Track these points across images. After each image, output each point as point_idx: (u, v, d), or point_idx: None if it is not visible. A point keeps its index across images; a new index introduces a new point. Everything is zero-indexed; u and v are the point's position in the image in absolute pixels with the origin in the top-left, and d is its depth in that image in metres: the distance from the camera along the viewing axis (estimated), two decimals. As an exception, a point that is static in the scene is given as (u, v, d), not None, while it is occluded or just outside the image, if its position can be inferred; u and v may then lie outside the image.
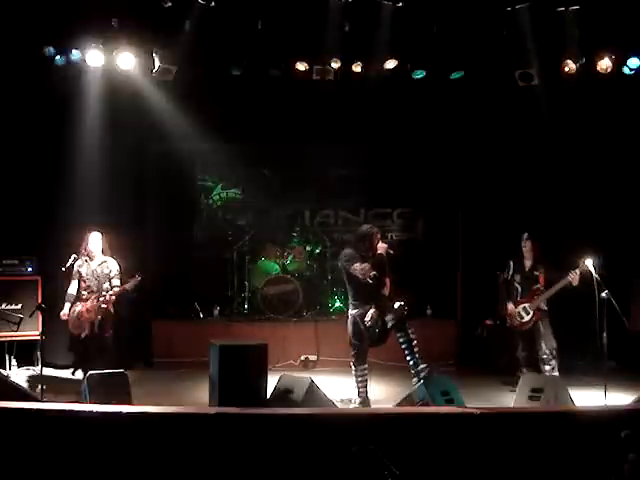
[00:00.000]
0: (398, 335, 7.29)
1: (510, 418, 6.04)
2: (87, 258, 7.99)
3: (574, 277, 7.72)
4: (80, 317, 7.84)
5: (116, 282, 7.95)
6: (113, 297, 7.88)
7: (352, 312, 7.40)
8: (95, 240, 8.04)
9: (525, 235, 8.26)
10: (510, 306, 8.13)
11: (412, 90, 9.48)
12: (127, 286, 7.86)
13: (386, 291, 7.47)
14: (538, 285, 8.08)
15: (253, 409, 6.19)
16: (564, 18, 8.15)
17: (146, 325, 9.72)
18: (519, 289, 8.17)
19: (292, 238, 10.87)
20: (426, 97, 9.66)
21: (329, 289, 10.58)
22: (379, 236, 7.49)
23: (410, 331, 7.28)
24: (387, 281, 7.50)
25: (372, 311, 7.22)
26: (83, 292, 7.96)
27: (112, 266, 8.03)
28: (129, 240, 9.51)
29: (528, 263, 8.21)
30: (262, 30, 8.41)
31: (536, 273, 8.12)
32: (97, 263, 8.01)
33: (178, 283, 10.42)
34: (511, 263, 8.27)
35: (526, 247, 8.22)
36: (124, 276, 8.02)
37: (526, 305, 8.04)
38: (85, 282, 7.96)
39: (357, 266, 7.29)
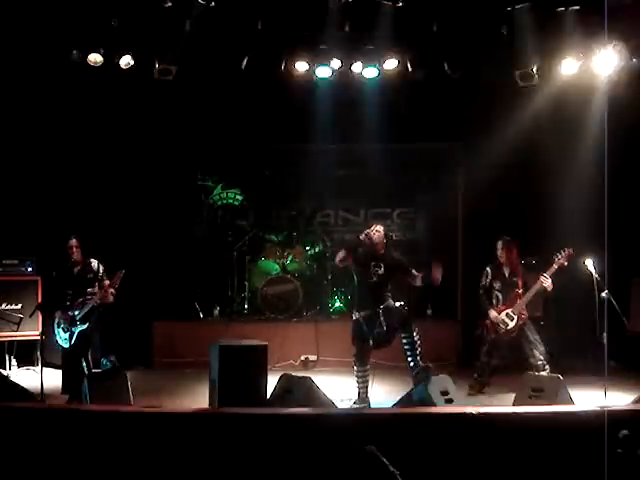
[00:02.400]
0: (403, 335, 7.29)
1: (510, 418, 6.04)
2: (71, 264, 7.86)
3: (546, 282, 7.69)
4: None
5: (105, 282, 7.71)
6: (110, 295, 7.71)
7: (356, 313, 7.40)
8: (75, 245, 7.86)
9: (499, 244, 8.05)
10: (493, 313, 7.91)
11: (412, 90, 9.49)
12: (113, 281, 7.66)
13: (417, 281, 7.35)
14: (517, 290, 7.89)
15: (253, 409, 6.20)
16: (564, 18, 8.15)
17: (146, 325, 9.72)
18: (499, 296, 7.98)
19: (292, 238, 10.86)
20: (426, 97, 9.66)
21: (329, 289, 10.58)
22: (377, 227, 7.47)
23: (415, 332, 7.28)
24: (413, 273, 7.37)
25: (380, 320, 7.23)
26: (66, 300, 7.75)
27: (95, 267, 7.83)
28: (129, 240, 9.54)
29: (507, 270, 8.02)
30: (262, 30, 8.41)
31: (515, 279, 7.95)
32: (79, 269, 7.88)
33: (178, 283, 10.42)
34: (488, 270, 8.06)
35: (502, 257, 8.02)
36: (108, 275, 7.85)
37: (509, 311, 7.84)
38: (69, 289, 7.77)
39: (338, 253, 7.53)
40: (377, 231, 7.44)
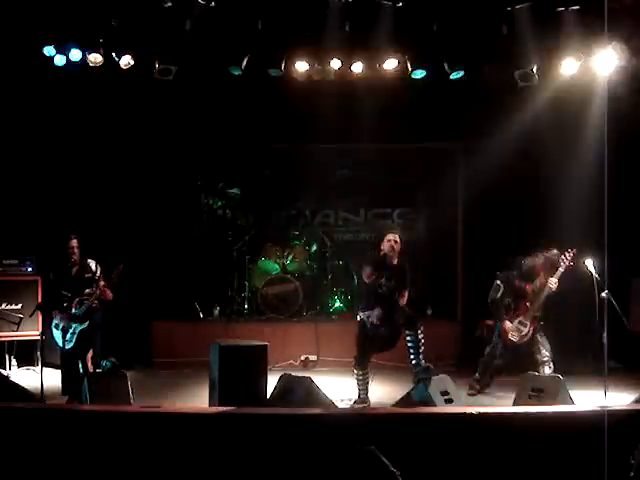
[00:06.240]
0: (407, 333, 7.27)
1: (510, 418, 6.04)
2: (70, 265, 7.84)
3: (552, 285, 7.68)
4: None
5: (101, 283, 7.68)
6: (108, 293, 7.69)
7: (361, 314, 7.37)
8: (76, 246, 7.86)
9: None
10: (507, 324, 7.88)
11: (412, 90, 9.49)
12: (112, 278, 7.65)
13: (402, 301, 7.31)
14: (527, 297, 7.88)
15: (253, 409, 6.20)
16: (564, 18, 8.15)
17: (146, 325, 9.72)
18: (511, 305, 7.95)
19: (292, 238, 10.87)
20: (426, 97, 9.67)
21: (329, 289, 10.58)
22: (389, 237, 7.41)
23: (420, 331, 7.28)
24: (404, 292, 7.32)
25: (378, 311, 7.20)
26: (64, 300, 7.73)
27: (94, 268, 7.81)
28: (129, 240, 9.54)
29: (517, 280, 7.96)
30: (262, 30, 8.42)
31: (524, 286, 7.91)
32: (77, 269, 7.86)
33: (178, 283, 10.42)
34: (499, 284, 7.97)
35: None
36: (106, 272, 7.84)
37: (521, 318, 7.84)
38: (67, 289, 7.76)
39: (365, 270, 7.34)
40: (395, 242, 7.33)
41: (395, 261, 7.35)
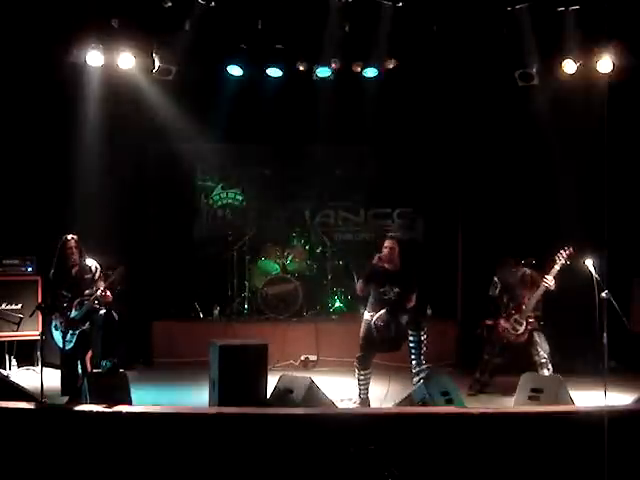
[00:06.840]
0: (410, 333, 7.28)
1: (510, 418, 6.04)
2: (70, 265, 7.82)
3: (549, 283, 7.68)
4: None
5: (101, 284, 7.61)
6: (108, 295, 7.67)
7: (366, 315, 7.39)
8: (74, 246, 7.77)
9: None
10: (502, 322, 7.92)
11: (412, 90, 9.48)
12: (113, 279, 7.58)
13: (409, 304, 7.32)
14: (523, 296, 7.88)
15: (253, 409, 6.20)
16: (564, 18, 8.15)
17: (146, 325, 9.72)
18: (510, 304, 7.96)
19: (292, 238, 10.87)
20: (426, 97, 9.66)
21: (329, 289, 10.58)
22: (385, 244, 7.44)
23: (423, 332, 7.28)
24: (411, 296, 7.33)
25: (382, 312, 7.20)
26: (64, 301, 7.68)
27: (94, 268, 7.76)
28: (129, 240, 9.54)
29: (514, 278, 7.98)
30: (262, 30, 8.42)
31: (522, 285, 7.92)
32: (77, 270, 7.81)
33: (178, 283, 10.41)
34: (497, 280, 8.03)
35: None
36: (107, 271, 7.76)
37: (516, 317, 7.86)
38: (66, 290, 7.70)
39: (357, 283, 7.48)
40: (391, 248, 7.39)
41: (397, 266, 7.37)
